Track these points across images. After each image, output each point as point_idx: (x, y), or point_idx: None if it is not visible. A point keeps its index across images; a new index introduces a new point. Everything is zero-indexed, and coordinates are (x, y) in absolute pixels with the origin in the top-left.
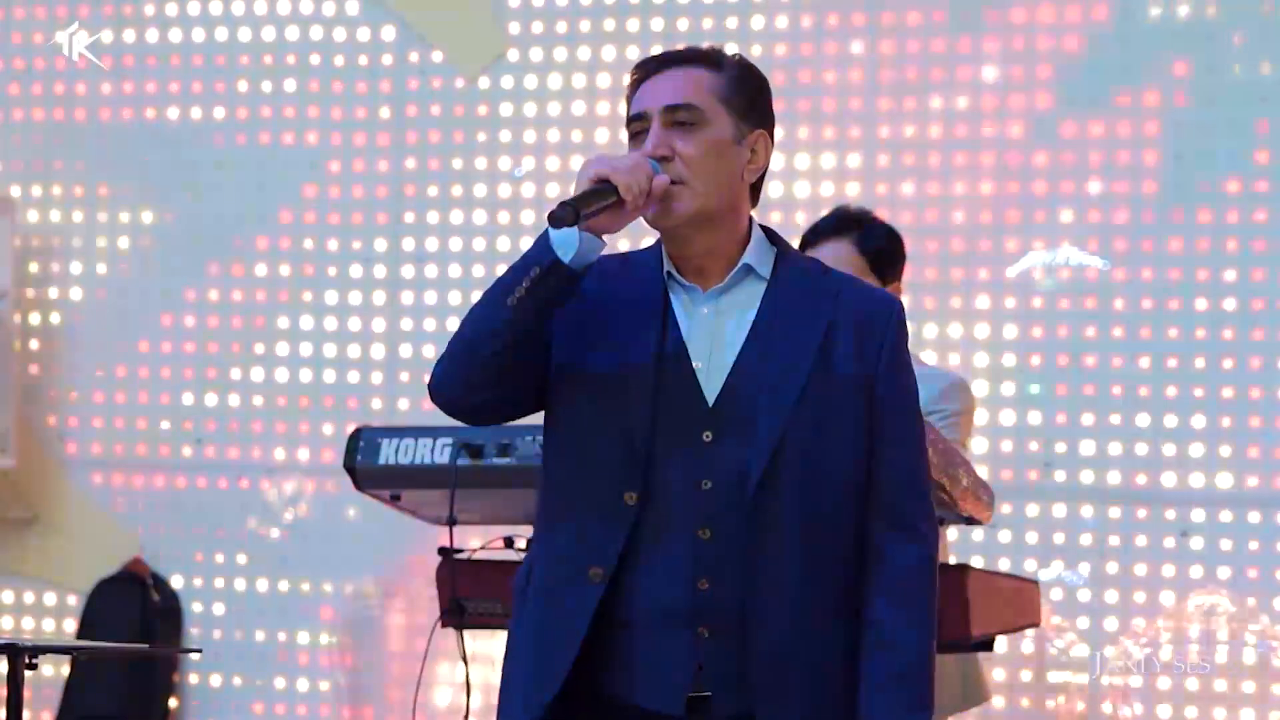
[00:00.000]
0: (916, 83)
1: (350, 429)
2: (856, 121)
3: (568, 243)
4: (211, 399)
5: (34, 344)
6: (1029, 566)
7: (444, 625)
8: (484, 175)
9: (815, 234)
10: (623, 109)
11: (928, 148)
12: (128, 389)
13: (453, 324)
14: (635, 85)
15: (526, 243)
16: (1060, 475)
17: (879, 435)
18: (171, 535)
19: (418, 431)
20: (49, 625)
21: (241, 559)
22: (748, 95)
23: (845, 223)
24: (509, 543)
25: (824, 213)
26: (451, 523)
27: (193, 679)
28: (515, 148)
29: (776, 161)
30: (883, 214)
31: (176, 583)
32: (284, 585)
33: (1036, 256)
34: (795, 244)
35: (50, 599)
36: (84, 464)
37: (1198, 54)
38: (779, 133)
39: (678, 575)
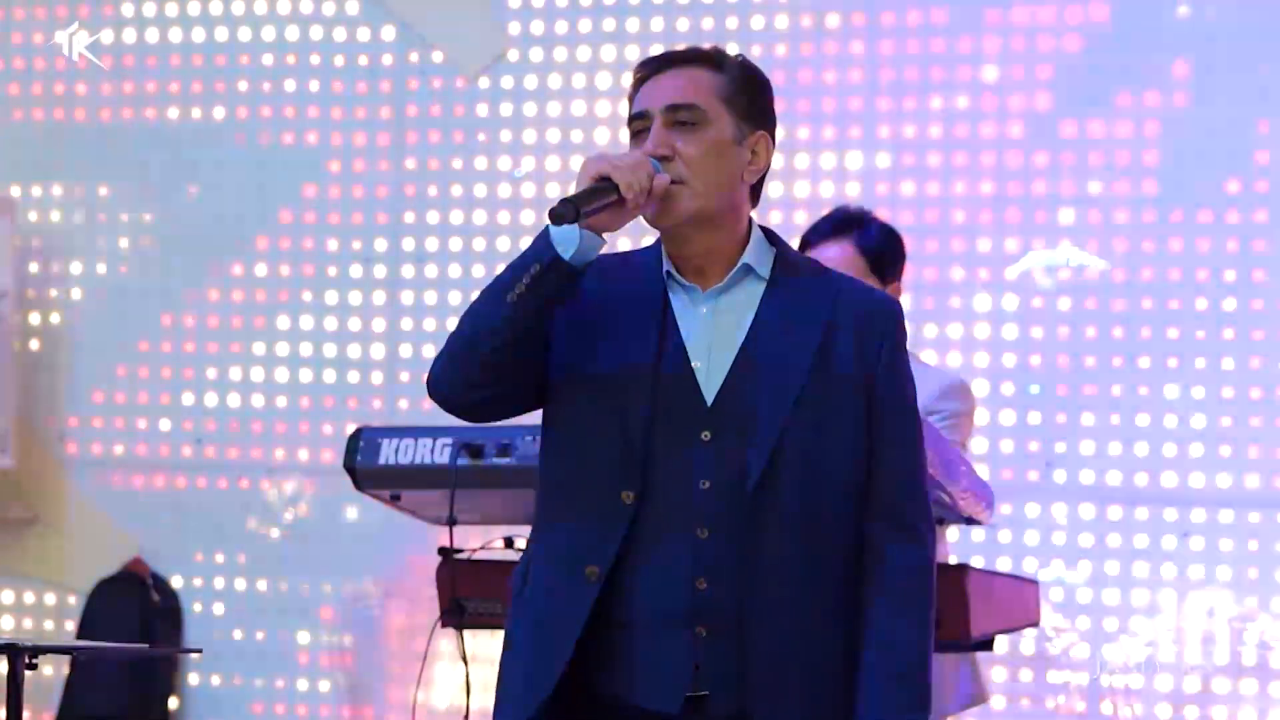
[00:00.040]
0: (916, 83)
1: (350, 429)
2: (856, 121)
3: (568, 240)
4: (211, 399)
5: (34, 344)
6: (1029, 566)
7: (444, 625)
8: (484, 175)
9: (815, 234)
10: (623, 109)
11: (928, 148)
12: (127, 389)
13: (453, 324)
14: (638, 84)
15: (526, 243)
16: (1060, 475)
17: (878, 436)
18: (171, 535)
19: (418, 431)
20: (49, 625)
21: (241, 559)
22: (750, 96)
23: (845, 223)
24: (509, 543)
25: (824, 213)
26: (451, 523)
27: (193, 679)
28: (515, 148)
29: (776, 161)
30: (883, 214)
31: (176, 583)
32: (284, 585)
33: (1036, 256)
34: (795, 244)
35: (50, 599)
36: (84, 464)
37: (1198, 54)
38: (779, 133)
39: (676, 575)
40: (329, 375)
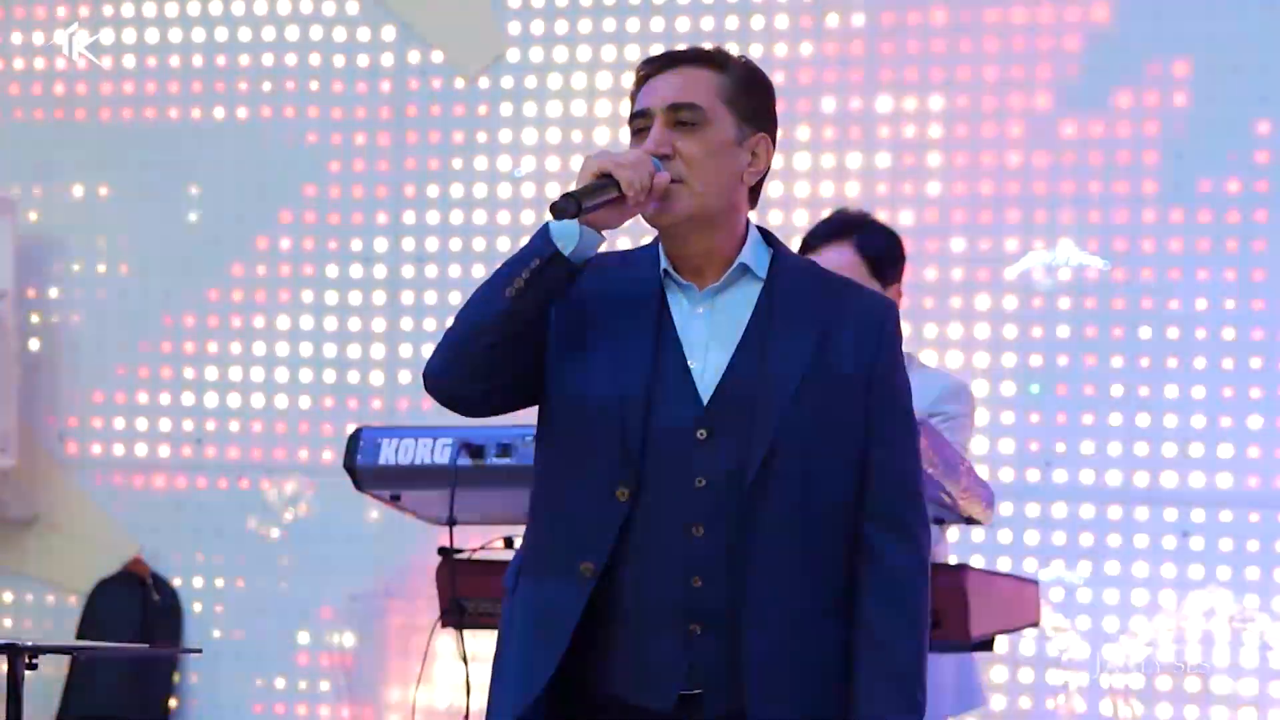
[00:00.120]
0: (916, 83)
1: (350, 429)
2: (856, 121)
3: (568, 235)
4: (211, 399)
5: (34, 344)
6: (1029, 566)
7: (444, 625)
8: (484, 175)
9: (815, 238)
10: (623, 109)
11: (928, 148)
12: (127, 389)
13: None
14: (640, 83)
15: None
16: (1060, 475)
17: (873, 437)
18: (171, 535)
19: (418, 431)
20: (49, 625)
21: (241, 559)
22: (751, 97)
23: (845, 226)
24: (509, 543)
25: (824, 213)
26: (451, 523)
27: (193, 679)
28: (515, 148)
29: (776, 161)
30: (883, 214)
31: (176, 583)
32: (284, 585)
33: (1036, 256)
34: (795, 245)
35: (50, 599)
36: (84, 464)
37: (1198, 54)
38: (779, 133)
39: (670, 572)
40: (329, 375)
